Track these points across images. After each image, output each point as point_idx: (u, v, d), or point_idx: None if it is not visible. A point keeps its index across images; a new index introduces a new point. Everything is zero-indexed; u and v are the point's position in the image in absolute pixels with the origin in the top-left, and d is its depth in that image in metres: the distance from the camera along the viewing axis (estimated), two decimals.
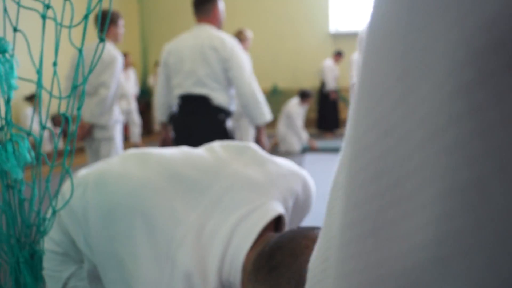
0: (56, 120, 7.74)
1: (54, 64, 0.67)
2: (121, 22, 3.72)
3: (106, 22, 0.62)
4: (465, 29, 0.19)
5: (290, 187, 1.07)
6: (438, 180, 0.20)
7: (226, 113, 3.05)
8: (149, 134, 10.56)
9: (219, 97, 2.98)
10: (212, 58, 2.96)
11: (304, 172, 1.14)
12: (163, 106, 3.27)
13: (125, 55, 7.93)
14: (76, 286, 1.11)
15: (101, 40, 0.57)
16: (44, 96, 0.87)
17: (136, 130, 8.67)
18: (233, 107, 3.14)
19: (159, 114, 3.33)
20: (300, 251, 0.83)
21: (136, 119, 8.60)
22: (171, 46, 3.17)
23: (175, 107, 3.17)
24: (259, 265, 0.88)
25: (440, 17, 0.21)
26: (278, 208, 0.98)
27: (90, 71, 0.72)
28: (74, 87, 0.74)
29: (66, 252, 1.08)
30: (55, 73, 0.65)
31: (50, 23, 0.75)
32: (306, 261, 0.79)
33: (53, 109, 0.91)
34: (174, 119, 3.21)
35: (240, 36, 5.12)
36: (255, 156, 1.07)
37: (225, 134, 3.01)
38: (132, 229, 0.94)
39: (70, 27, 0.62)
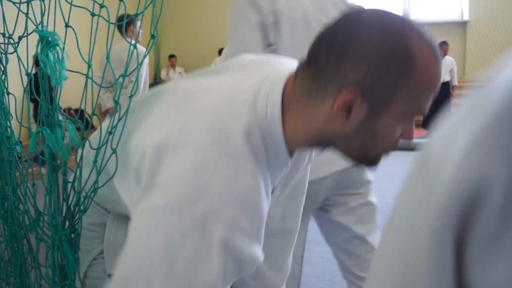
0: (69, 112, 7.88)
1: (107, 57, 0.74)
2: (138, 23, 4.04)
3: (157, 21, 0.69)
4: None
5: None
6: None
7: None
8: None
9: None
10: None
11: None
12: None
13: None
14: (99, 278, 1.11)
15: (134, 42, 0.64)
16: (71, 88, 0.94)
17: None
18: None
19: None
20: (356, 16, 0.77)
21: None
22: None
23: None
24: (315, 66, 0.79)
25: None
26: None
27: (127, 65, 0.79)
28: (119, 78, 0.81)
29: (94, 220, 1.11)
30: (106, 66, 0.73)
31: (83, 22, 0.82)
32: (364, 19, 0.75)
33: (68, 103, 0.98)
34: None
35: None
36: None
37: None
38: (151, 100, 0.90)
39: (115, 24, 0.69)
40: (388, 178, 5.65)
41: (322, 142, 0.85)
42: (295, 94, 0.82)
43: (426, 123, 9.27)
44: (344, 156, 0.85)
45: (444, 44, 8.86)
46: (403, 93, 0.75)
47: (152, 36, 0.65)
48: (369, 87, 0.74)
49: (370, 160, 0.85)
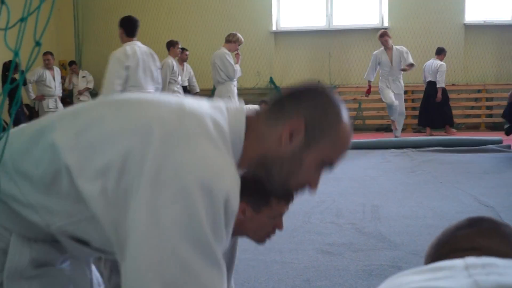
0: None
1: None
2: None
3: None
4: None
5: None
6: None
7: None
8: None
9: None
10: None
11: None
12: None
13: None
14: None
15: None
16: None
17: None
18: None
19: None
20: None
21: None
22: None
23: None
24: (278, 105, 1.11)
25: None
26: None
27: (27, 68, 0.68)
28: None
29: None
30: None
31: None
32: None
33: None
34: None
35: (232, 38, 6.70)
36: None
37: None
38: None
39: (6, 29, 0.59)
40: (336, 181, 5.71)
41: (262, 165, 1.10)
42: (258, 122, 1.09)
43: None
44: (268, 185, 1.13)
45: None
46: (328, 140, 1.08)
47: (37, 43, 0.56)
48: (310, 125, 1.07)
49: (285, 190, 1.16)
